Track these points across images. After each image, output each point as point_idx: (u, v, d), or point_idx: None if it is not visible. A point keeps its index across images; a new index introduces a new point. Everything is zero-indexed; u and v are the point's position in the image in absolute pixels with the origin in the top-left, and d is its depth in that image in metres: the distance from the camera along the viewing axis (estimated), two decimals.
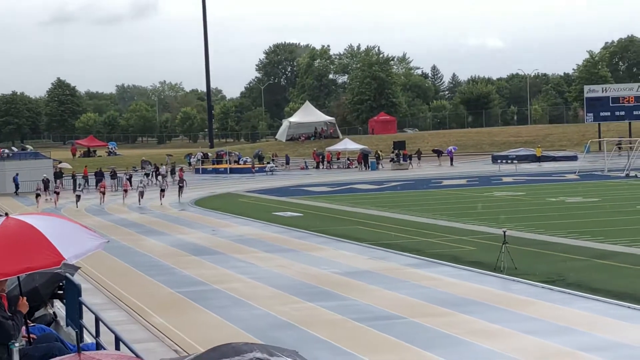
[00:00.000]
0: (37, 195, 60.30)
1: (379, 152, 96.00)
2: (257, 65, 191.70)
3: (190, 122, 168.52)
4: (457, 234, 36.37)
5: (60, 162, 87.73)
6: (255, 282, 26.92)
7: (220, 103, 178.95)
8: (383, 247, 33.32)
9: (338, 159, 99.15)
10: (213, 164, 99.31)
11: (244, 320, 21.61)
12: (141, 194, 57.14)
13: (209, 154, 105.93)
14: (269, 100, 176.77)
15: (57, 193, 61.92)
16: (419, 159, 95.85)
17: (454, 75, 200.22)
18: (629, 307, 21.13)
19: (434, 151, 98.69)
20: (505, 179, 68.88)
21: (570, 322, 19.95)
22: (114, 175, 77.00)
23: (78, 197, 58.49)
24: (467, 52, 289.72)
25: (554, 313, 20.94)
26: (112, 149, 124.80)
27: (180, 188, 60.12)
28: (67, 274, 12.26)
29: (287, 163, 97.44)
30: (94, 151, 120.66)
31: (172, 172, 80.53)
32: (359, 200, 54.06)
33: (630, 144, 79.52)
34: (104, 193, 59.80)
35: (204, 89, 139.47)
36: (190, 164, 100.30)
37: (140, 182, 60.99)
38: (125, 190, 60.39)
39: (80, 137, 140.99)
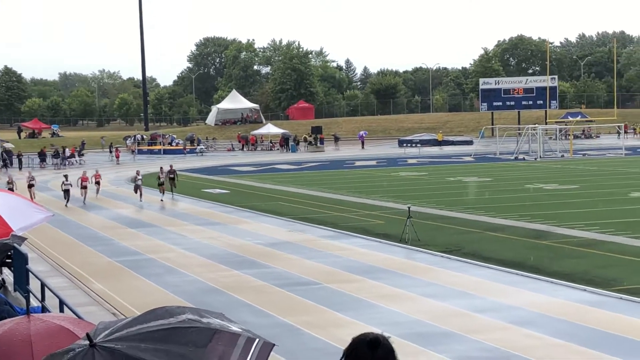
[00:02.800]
0: None
1: (305, 136, 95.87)
2: (188, 57, 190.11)
3: (127, 107, 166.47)
4: (368, 209, 36.57)
5: (5, 142, 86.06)
6: (187, 252, 26.74)
7: (154, 90, 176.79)
8: (302, 220, 33.34)
9: (262, 141, 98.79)
10: (148, 145, 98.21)
11: (177, 286, 21.46)
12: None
13: (144, 136, 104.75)
14: (199, 88, 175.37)
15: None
16: (336, 142, 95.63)
17: (365, 67, 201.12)
18: (516, 274, 21.46)
19: (333, 136, 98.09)
20: (410, 161, 69.42)
21: (465, 287, 20.20)
22: (56, 155, 75.88)
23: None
24: (377, 47, 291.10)
25: (451, 279, 21.19)
26: (55, 131, 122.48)
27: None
28: (15, 244, 12.01)
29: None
30: (39, 133, 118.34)
31: (110, 152, 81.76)
32: (280, 179, 54.00)
33: (519, 130, 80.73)
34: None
35: (140, 77, 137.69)
36: (131, 144, 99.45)
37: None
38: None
39: (25, 120, 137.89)
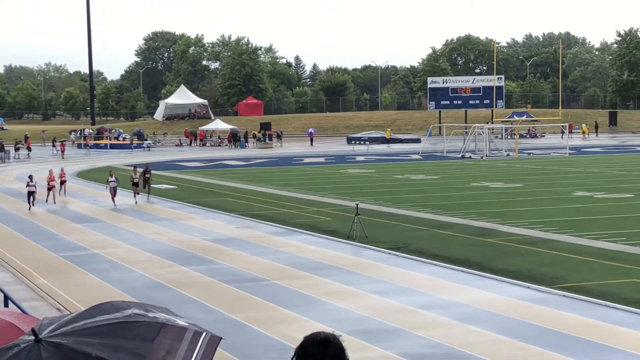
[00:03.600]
0: None
1: (254, 132, 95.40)
2: (136, 51, 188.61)
3: (73, 101, 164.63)
4: (316, 206, 36.63)
5: None
6: (133, 247, 26.55)
7: (101, 84, 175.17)
8: (250, 217, 33.29)
9: (211, 137, 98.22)
10: (94, 139, 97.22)
11: (122, 282, 21.30)
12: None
13: (91, 130, 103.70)
14: (147, 82, 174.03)
15: None
16: (279, 139, 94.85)
17: (314, 64, 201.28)
18: (462, 271, 21.67)
19: (276, 133, 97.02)
20: (358, 158, 69.66)
21: (412, 284, 20.35)
22: (1, 149, 74.86)
23: None
24: (327, 44, 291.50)
25: (398, 276, 21.32)
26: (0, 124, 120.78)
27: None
28: None
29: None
30: None
31: (53, 145, 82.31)
32: (229, 175, 53.84)
33: (466, 129, 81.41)
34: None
35: (87, 71, 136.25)
36: (75, 139, 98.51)
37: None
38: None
39: None
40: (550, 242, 25.86)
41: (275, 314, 17.82)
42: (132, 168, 43.20)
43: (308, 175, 53.90)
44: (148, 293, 19.59)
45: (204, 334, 3.92)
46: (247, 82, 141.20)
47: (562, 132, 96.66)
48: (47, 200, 38.62)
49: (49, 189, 38.96)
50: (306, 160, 68.68)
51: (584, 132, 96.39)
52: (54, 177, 39.55)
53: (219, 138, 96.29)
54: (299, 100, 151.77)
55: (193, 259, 24.30)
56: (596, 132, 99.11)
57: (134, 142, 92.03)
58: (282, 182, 48.06)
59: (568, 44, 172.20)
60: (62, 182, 41.93)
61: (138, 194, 39.28)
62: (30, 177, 37.94)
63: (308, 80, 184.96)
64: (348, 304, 18.44)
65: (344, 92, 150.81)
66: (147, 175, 40.34)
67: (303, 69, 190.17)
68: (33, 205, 37.02)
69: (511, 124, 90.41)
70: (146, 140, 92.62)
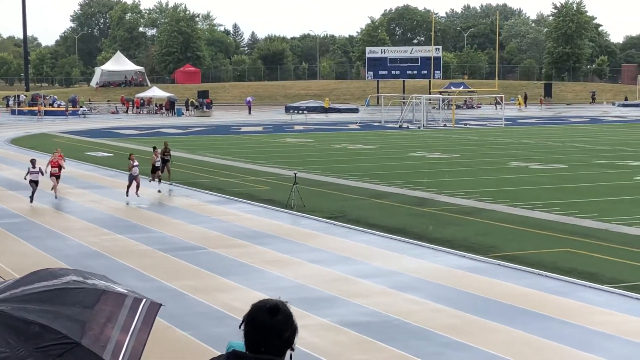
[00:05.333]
0: None
1: (192, 100, 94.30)
2: (71, 17, 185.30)
3: (7, 67, 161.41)
4: (254, 174, 36.57)
5: None
6: (69, 215, 26.26)
7: (36, 50, 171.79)
8: (187, 185, 33.10)
9: (148, 105, 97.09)
10: (29, 106, 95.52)
11: (59, 250, 21.06)
12: None
13: (25, 96, 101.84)
14: (82, 49, 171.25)
15: None
16: (208, 108, 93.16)
17: (253, 33, 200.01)
18: (399, 240, 21.86)
19: (201, 103, 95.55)
20: (296, 127, 69.61)
21: (350, 253, 20.47)
22: None
23: None
24: (265, 13, 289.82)
25: (336, 245, 21.43)
26: None
27: None
28: None
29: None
30: None
31: None
32: None
33: (404, 99, 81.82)
34: None
35: (21, 36, 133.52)
36: (8, 105, 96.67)
37: None
38: None
39: None
40: (485, 211, 26.20)
41: (213, 282, 17.80)
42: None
43: (246, 144, 53.72)
44: (84, 261, 19.40)
45: (144, 300, 3.90)
46: (185, 50, 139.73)
47: (497, 103, 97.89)
48: (55, 195, 29.72)
49: (53, 176, 29.82)
50: (244, 129, 68.42)
51: (519, 104, 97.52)
52: (56, 161, 30.40)
53: (156, 106, 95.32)
54: (236, 69, 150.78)
55: (129, 228, 24.12)
56: (525, 103, 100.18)
57: (69, 109, 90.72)
58: (220, 150, 47.84)
59: (505, 15, 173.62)
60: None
61: (160, 179, 31.89)
62: (33, 161, 29.33)
63: (246, 48, 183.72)
64: (286, 272, 18.49)
65: (283, 61, 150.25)
66: (167, 157, 33.22)
67: (241, 37, 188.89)
68: (33, 197, 28.76)
69: (448, 94, 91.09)
70: (81, 107, 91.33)
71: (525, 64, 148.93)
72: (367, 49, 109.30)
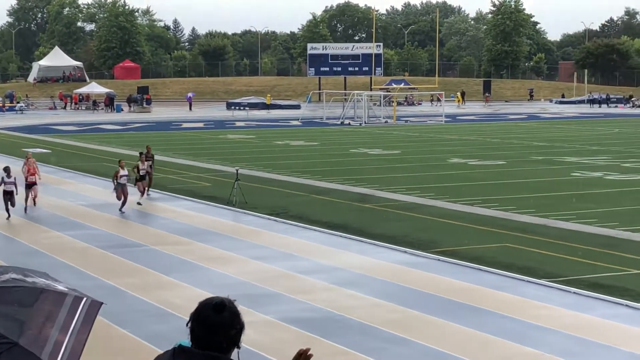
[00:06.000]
0: None
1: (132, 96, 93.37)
2: (8, 11, 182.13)
3: None
4: (195, 171, 36.37)
5: None
6: (5, 212, 25.78)
7: None
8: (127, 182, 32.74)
9: (87, 100, 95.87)
10: None
11: None
12: None
13: None
14: (19, 44, 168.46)
15: None
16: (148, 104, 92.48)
17: (193, 28, 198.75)
18: (341, 236, 21.91)
19: (128, 99, 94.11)
20: (238, 124, 69.39)
21: (292, 249, 20.47)
22: None
23: None
24: (206, 9, 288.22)
25: (278, 241, 21.41)
26: None
27: None
28: None
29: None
30: None
31: None
32: (105, 139, 52.84)
33: (345, 96, 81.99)
34: None
35: None
36: None
37: None
38: None
39: None
40: (426, 207, 26.40)
41: (154, 279, 17.67)
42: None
43: (187, 140, 53.40)
44: (22, 259, 19.08)
45: (85, 299, 3.85)
46: (124, 45, 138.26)
47: (432, 100, 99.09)
48: (27, 207, 26.16)
49: (29, 188, 26.39)
50: (185, 125, 68.00)
51: (458, 101, 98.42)
52: (34, 168, 26.85)
53: (95, 101, 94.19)
54: (177, 65, 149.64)
55: (69, 224, 23.82)
56: (463, 100, 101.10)
57: (5, 104, 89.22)
58: (160, 147, 47.41)
59: (445, 13, 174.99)
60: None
61: (143, 191, 27.89)
62: (7, 170, 25.86)
63: (187, 44, 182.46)
64: (228, 269, 18.43)
65: (224, 57, 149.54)
66: (150, 163, 29.44)
67: (181, 32, 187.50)
68: (10, 211, 25.05)
69: (389, 91, 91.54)
70: (18, 103, 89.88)
71: (465, 61, 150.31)
72: (309, 45, 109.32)
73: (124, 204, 25.83)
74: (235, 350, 3.86)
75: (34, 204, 26.47)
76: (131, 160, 30.88)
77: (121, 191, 25.87)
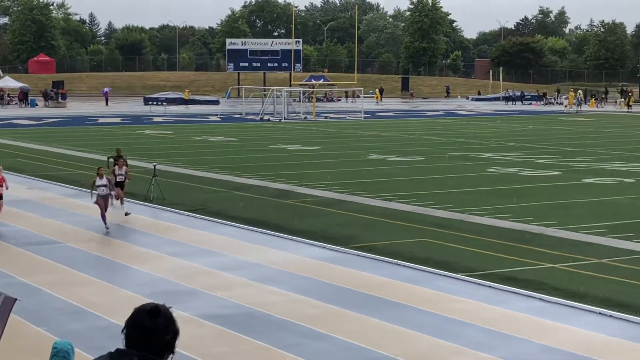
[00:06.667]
0: None
1: (47, 90, 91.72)
2: None
3: None
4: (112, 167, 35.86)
5: None
6: None
7: None
8: (42, 178, 32.21)
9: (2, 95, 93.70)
10: None
11: None
12: None
13: None
14: None
15: None
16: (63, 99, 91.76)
17: (110, 22, 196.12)
18: (261, 232, 21.90)
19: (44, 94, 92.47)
20: (155, 119, 68.72)
21: (211, 246, 20.39)
22: None
23: None
24: (122, 2, 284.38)
25: (197, 238, 21.30)
26: None
27: None
28: None
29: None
30: None
31: None
32: (19, 135, 51.79)
33: (264, 92, 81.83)
34: None
35: None
36: None
37: None
38: None
39: None
40: (345, 203, 26.57)
41: (70, 277, 17.42)
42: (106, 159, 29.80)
43: (103, 135, 52.68)
44: None
45: None
46: (38, 39, 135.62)
47: (347, 96, 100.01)
48: None
49: None
50: (101, 120, 67.07)
51: (377, 97, 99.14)
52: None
53: (8, 96, 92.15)
54: (93, 59, 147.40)
55: None
56: (381, 97, 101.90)
57: None
58: (75, 142, 46.73)
59: (363, 10, 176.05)
60: None
61: (122, 200, 24.95)
62: None
63: (103, 38, 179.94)
64: (146, 266, 18.26)
65: (141, 52, 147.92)
66: (126, 168, 26.45)
67: (98, 26, 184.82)
68: None
69: (309, 87, 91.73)
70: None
71: (384, 58, 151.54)
72: (228, 40, 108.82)
73: (104, 217, 22.33)
74: (170, 356, 3.88)
75: None
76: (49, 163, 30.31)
77: (102, 204, 22.37)
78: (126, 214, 23.90)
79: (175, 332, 3.88)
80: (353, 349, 12.94)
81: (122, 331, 3.84)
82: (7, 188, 23.31)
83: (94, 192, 22.69)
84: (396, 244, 20.44)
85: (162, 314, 3.86)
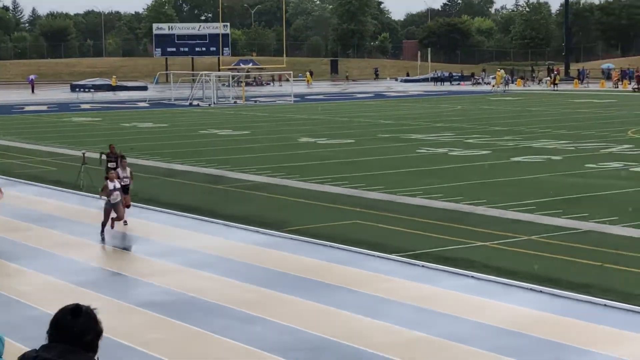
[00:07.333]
0: None
1: None
2: None
3: None
4: (39, 155, 35.38)
5: None
6: None
7: None
8: None
9: None
10: None
11: None
12: None
13: None
14: None
15: None
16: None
17: (33, 9, 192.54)
18: (194, 218, 21.77)
19: None
20: (83, 106, 67.75)
21: (142, 232, 20.24)
22: None
23: None
24: None
25: (129, 224, 21.07)
26: None
27: None
28: None
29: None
30: None
31: None
32: None
33: (193, 77, 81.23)
34: None
35: None
36: None
37: None
38: None
39: None
40: (277, 187, 26.57)
41: None
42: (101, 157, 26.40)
43: (30, 124, 51.81)
44: None
45: None
46: None
47: (273, 80, 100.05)
48: None
49: None
50: (27, 108, 65.90)
51: (308, 81, 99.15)
52: None
53: None
54: (17, 46, 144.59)
55: None
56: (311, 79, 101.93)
57: None
58: (1, 131, 45.85)
59: None
60: None
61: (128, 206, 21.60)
62: None
63: (27, 25, 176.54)
64: (76, 254, 18.04)
65: (66, 38, 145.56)
66: (115, 166, 23.84)
67: (21, 13, 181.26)
68: None
69: (237, 71, 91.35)
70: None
71: (312, 41, 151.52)
72: (154, 25, 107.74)
73: (105, 225, 19.84)
74: (95, 357, 3.90)
75: None
76: None
77: (110, 210, 19.83)
78: (125, 223, 20.77)
79: (97, 333, 3.89)
80: (288, 331, 13.00)
81: (47, 332, 3.87)
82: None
83: (104, 197, 20.02)
84: (329, 226, 20.52)
85: (84, 314, 3.87)
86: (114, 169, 22.97)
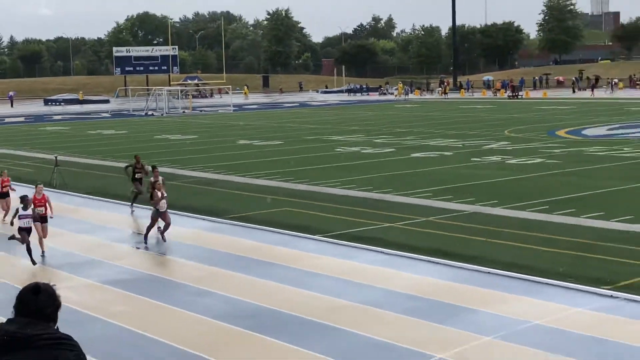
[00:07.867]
0: None
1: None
2: None
3: None
4: (17, 159, 34.43)
5: None
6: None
7: None
8: None
9: None
10: None
11: None
12: None
13: None
14: None
15: None
16: None
17: (11, 36, 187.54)
18: (151, 210, 21.38)
19: None
20: (55, 117, 66.23)
21: (107, 222, 19.89)
22: None
23: None
24: (22, 18, 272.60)
25: (95, 217, 20.72)
26: None
27: None
28: None
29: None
30: None
31: None
32: None
33: (148, 91, 79.98)
34: None
35: None
36: None
37: None
38: None
39: None
40: (221, 182, 26.34)
41: None
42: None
43: (9, 133, 50.41)
44: None
45: None
46: None
47: (213, 94, 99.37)
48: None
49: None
50: (7, 120, 64.12)
51: (245, 93, 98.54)
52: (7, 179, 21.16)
53: None
54: None
55: None
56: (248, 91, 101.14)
57: None
58: None
59: (228, 20, 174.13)
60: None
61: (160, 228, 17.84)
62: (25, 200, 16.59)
63: (6, 50, 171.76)
64: (52, 242, 17.58)
65: (40, 60, 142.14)
66: (140, 175, 21.91)
67: (1, 40, 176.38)
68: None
69: (185, 86, 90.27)
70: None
71: (247, 60, 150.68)
72: (115, 48, 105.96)
73: (150, 230, 17.50)
74: (55, 326, 3.87)
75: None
76: None
77: (157, 218, 17.46)
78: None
79: (56, 306, 3.85)
80: (232, 301, 12.89)
81: (13, 307, 3.81)
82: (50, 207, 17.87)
83: (154, 206, 17.42)
84: (264, 213, 20.41)
85: (43, 291, 3.83)
86: (140, 180, 21.42)
